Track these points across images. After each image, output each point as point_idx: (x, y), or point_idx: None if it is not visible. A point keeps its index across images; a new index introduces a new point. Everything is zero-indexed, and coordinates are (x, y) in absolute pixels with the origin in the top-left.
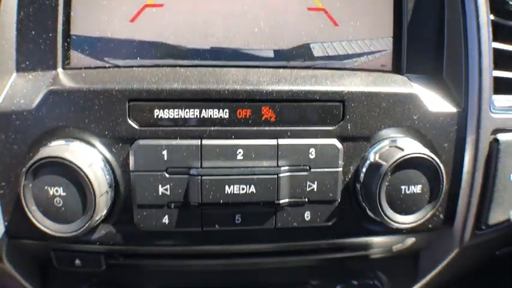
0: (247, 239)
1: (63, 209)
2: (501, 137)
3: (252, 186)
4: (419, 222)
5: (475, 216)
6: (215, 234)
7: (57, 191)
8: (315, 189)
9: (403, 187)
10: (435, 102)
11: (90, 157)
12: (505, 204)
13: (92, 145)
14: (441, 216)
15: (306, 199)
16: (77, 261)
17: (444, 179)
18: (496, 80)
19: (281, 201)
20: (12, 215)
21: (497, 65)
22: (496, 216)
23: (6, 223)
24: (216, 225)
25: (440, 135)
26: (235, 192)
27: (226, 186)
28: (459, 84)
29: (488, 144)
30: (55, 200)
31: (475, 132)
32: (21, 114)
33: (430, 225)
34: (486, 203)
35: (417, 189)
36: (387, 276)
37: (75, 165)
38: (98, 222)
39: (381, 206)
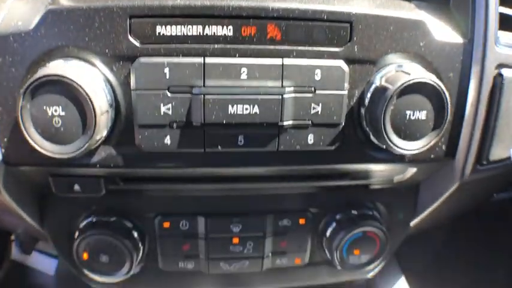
0: (250, 162)
1: (62, 129)
2: (505, 72)
3: (256, 106)
4: (422, 149)
5: (477, 150)
6: (217, 156)
7: (56, 110)
8: (319, 112)
9: (408, 112)
10: (442, 31)
11: (90, 76)
12: (507, 141)
13: (92, 64)
14: (443, 147)
15: (310, 122)
16: (76, 187)
17: (449, 107)
18: (501, 16)
19: (285, 123)
20: (10, 141)
21: (503, 2)
22: (498, 152)
23: (3, 150)
24: (219, 147)
25: (446, 64)
26: (238, 112)
27: (230, 106)
28: (466, 15)
29: (492, 79)
30: (54, 120)
31: (480, 64)
32: (19, 36)
33: (432, 156)
34: (488, 138)
35: (422, 115)
36: (386, 208)
37: (75, 82)
38: (98, 143)
39: (385, 130)
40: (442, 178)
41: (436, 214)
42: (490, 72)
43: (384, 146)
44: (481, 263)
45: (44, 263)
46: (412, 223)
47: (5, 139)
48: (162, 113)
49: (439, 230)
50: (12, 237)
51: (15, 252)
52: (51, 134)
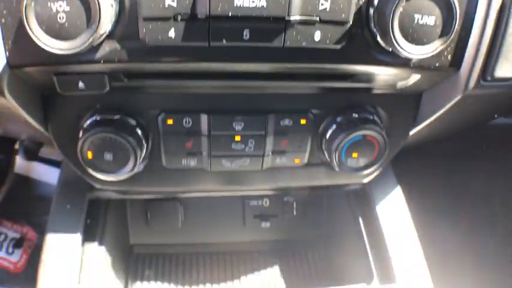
0: (255, 58)
1: (66, 25)
2: None
3: None
4: (428, 55)
5: (482, 65)
6: (222, 50)
7: (60, 6)
8: (328, 9)
9: (416, 16)
10: None
11: None
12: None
13: None
14: (449, 57)
15: (318, 18)
16: (81, 84)
17: (458, 14)
18: None
19: (292, 18)
20: (14, 44)
21: None
22: (503, 70)
23: (7, 53)
24: (224, 40)
25: None
26: (245, 5)
27: None
28: None
29: None
30: (58, 16)
31: None
32: None
33: (437, 64)
34: (494, 55)
35: (430, 20)
36: (387, 114)
37: None
38: (102, 38)
39: (393, 31)
40: (445, 89)
41: (436, 126)
42: None
43: (390, 49)
44: (479, 182)
45: (47, 174)
46: (411, 132)
47: (10, 42)
48: (166, 5)
49: (439, 148)
50: (17, 145)
51: (18, 165)
52: (55, 31)
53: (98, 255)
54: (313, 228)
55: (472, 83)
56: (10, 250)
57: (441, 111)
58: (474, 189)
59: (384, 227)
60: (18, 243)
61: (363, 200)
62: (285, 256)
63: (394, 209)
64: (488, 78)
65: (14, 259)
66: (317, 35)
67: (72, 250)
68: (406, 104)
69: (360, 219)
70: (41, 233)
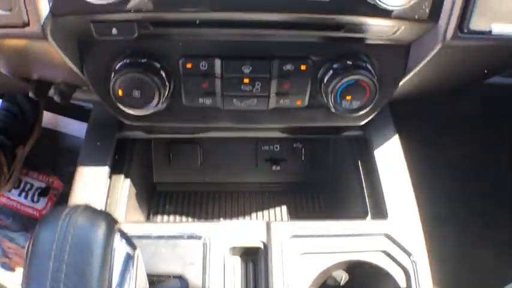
0: (254, 6)
1: None
2: None
3: None
4: (403, 6)
5: (458, 17)
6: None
7: None
8: None
9: None
10: None
11: None
12: (488, 15)
13: None
14: (427, 10)
15: None
16: (114, 30)
17: None
18: None
19: None
20: None
21: None
22: (478, 24)
23: (51, 4)
24: None
25: None
26: None
27: None
28: None
29: None
30: None
31: None
32: None
33: (416, 16)
34: (469, 9)
35: None
36: (379, 62)
37: None
38: None
39: None
40: (428, 41)
41: (425, 77)
42: None
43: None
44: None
45: (73, 128)
46: (402, 81)
47: None
48: None
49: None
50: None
51: (46, 119)
52: None
53: (124, 187)
54: (319, 172)
55: (449, 34)
56: (35, 199)
57: (425, 61)
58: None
59: (380, 169)
60: (43, 192)
61: (363, 146)
62: (292, 196)
63: (390, 154)
64: (465, 30)
65: (39, 206)
66: None
67: (100, 181)
68: (396, 53)
69: (359, 163)
70: (67, 183)
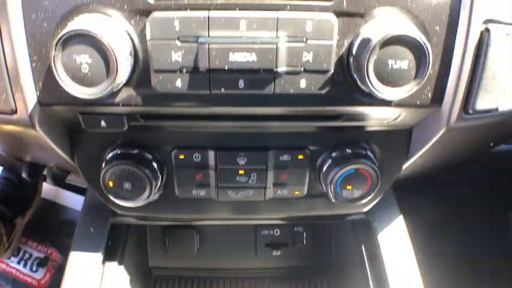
0: (250, 103)
1: (89, 74)
2: (492, 27)
3: (254, 54)
4: (403, 95)
5: (463, 99)
6: (222, 97)
7: (83, 58)
8: (311, 60)
9: (390, 61)
10: None
11: (112, 29)
12: (493, 93)
13: (113, 18)
14: (429, 95)
15: (302, 68)
16: (103, 123)
17: (430, 58)
18: None
19: (279, 69)
20: (44, 85)
21: None
22: (484, 103)
23: (38, 93)
24: (222, 89)
25: (433, 18)
26: (238, 59)
27: (231, 54)
28: None
29: (479, 34)
30: (82, 67)
31: (467, 17)
32: None
33: (418, 102)
34: (474, 89)
35: (404, 64)
36: (380, 149)
37: (99, 35)
38: (120, 86)
39: (368, 76)
40: (431, 124)
41: (428, 159)
42: (477, 27)
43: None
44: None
45: (72, 201)
46: (405, 165)
47: (40, 83)
48: (173, 60)
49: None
50: (45, 172)
51: (46, 191)
52: (79, 78)
53: (118, 274)
54: (321, 256)
55: (453, 117)
56: (34, 268)
57: (429, 144)
58: (480, 221)
59: (385, 255)
60: (42, 262)
61: (366, 229)
62: (294, 282)
63: (394, 238)
64: (470, 111)
65: (38, 276)
66: (302, 83)
67: (93, 268)
68: (397, 138)
69: (363, 247)
70: (66, 255)
